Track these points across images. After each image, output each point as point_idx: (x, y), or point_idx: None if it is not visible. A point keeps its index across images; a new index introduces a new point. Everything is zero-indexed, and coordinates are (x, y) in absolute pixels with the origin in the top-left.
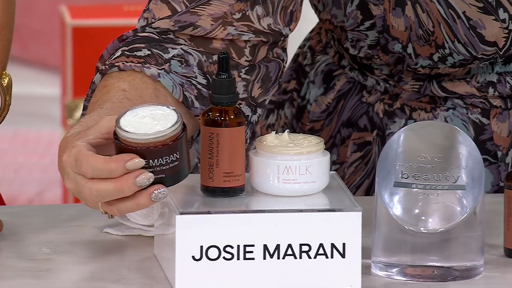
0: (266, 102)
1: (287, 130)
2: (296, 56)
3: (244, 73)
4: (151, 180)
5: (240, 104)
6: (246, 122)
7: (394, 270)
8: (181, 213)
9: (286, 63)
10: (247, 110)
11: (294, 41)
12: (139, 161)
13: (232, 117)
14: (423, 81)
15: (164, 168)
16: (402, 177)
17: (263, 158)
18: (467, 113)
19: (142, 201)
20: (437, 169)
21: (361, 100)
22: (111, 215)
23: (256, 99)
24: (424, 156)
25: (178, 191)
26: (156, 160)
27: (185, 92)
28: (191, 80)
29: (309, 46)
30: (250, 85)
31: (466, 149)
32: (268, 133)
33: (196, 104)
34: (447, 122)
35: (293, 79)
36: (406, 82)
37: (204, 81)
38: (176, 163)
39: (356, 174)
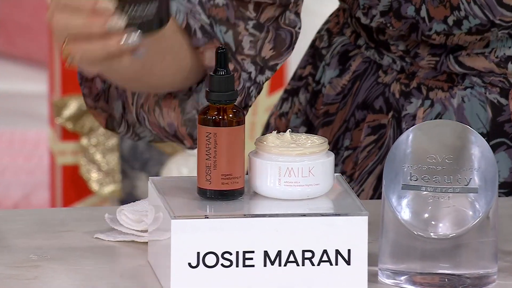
0: (278, 67)
1: (289, 130)
2: (313, 41)
3: (252, 27)
4: (122, 25)
5: (244, 60)
6: (250, 79)
7: (402, 278)
8: (177, 217)
9: (300, 29)
10: (250, 67)
11: (299, 36)
12: (109, 4)
13: (231, 116)
14: (439, 56)
15: (137, 15)
16: (411, 180)
17: (263, 159)
18: (485, 93)
19: (111, 42)
20: (448, 171)
21: (377, 80)
22: (71, 60)
23: (266, 61)
24: (434, 157)
25: (173, 194)
26: (129, 6)
27: (189, 20)
28: (194, 14)
29: (327, 28)
30: (260, 43)
31: (479, 149)
32: (281, 122)
33: (199, 34)
34: (464, 102)
35: (309, 64)
36: (423, 58)
37: (207, 21)
38: (151, 11)
39: (369, 159)
